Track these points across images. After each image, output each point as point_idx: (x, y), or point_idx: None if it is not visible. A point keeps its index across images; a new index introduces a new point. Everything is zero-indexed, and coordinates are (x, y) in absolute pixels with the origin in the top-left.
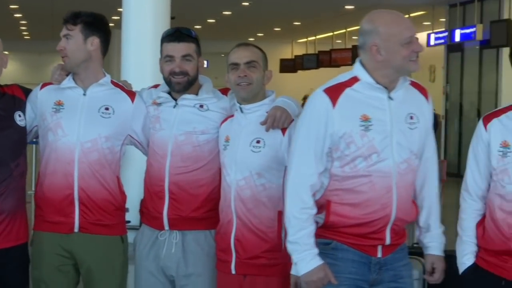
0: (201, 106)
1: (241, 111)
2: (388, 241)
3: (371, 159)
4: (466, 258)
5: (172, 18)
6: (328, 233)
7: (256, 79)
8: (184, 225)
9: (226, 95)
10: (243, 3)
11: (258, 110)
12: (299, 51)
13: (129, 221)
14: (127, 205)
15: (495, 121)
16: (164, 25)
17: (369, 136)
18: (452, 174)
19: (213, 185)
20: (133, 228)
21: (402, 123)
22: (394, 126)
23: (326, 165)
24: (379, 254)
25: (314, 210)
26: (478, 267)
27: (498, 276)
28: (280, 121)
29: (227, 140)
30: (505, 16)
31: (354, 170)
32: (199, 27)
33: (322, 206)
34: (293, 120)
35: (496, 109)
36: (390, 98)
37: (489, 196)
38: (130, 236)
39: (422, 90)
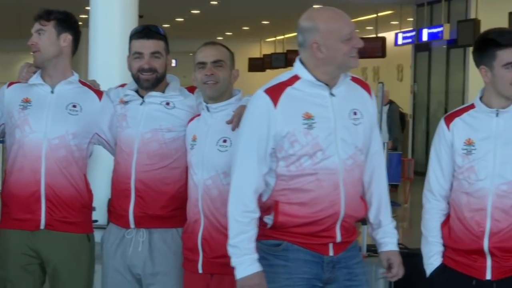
0: (168, 103)
1: (208, 110)
2: (339, 238)
3: (317, 157)
4: (433, 259)
5: (140, 16)
6: (277, 234)
7: (223, 78)
8: (151, 223)
9: (193, 93)
10: (212, 2)
11: (224, 109)
12: (267, 50)
13: (96, 220)
14: (94, 204)
15: (457, 120)
16: (132, 23)
17: (313, 134)
18: (420, 172)
19: (179, 183)
20: (101, 228)
21: (346, 119)
22: (337, 123)
23: (270, 165)
24: (331, 253)
25: (257, 214)
26: (446, 267)
27: (468, 276)
28: None
29: (194, 140)
30: (472, 15)
31: (300, 169)
32: (167, 25)
33: (270, 207)
34: None
35: (457, 109)
36: (332, 94)
37: (453, 195)
38: (97, 235)
39: (365, 86)
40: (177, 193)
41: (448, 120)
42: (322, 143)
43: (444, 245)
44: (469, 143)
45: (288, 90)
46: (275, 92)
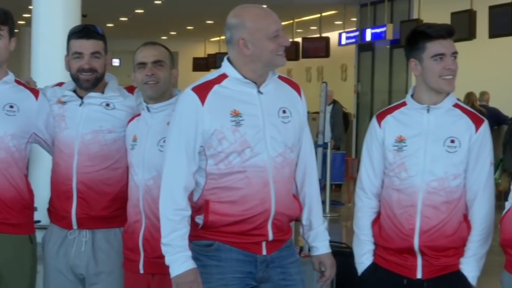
0: (108, 104)
1: (148, 110)
2: (271, 236)
3: (245, 154)
4: (364, 258)
5: (84, 16)
6: (209, 234)
7: (163, 78)
8: (94, 224)
9: (132, 93)
10: (156, 2)
11: (165, 109)
12: (212, 49)
13: (39, 221)
14: (36, 205)
15: (389, 118)
16: (75, 23)
17: (241, 131)
18: None
19: (121, 184)
20: (43, 228)
21: (275, 116)
22: (266, 120)
23: (200, 164)
24: (264, 252)
25: (188, 212)
26: (377, 266)
27: (399, 275)
28: None
29: (134, 140)
30: (415, 16)
31: (229, 166)
32: (111, 25)
33: (201, 207)
34: None
35: (389, 106)
36: (260, 92)
37: (384, 193)
38: (39, 235)
39: (295, 86)
40: (119, 193)
41: (380, 118)
42: (250, 140)
43: (375, 244)
44: (400, 140)
45: (216, 88)
46: (202, 90)
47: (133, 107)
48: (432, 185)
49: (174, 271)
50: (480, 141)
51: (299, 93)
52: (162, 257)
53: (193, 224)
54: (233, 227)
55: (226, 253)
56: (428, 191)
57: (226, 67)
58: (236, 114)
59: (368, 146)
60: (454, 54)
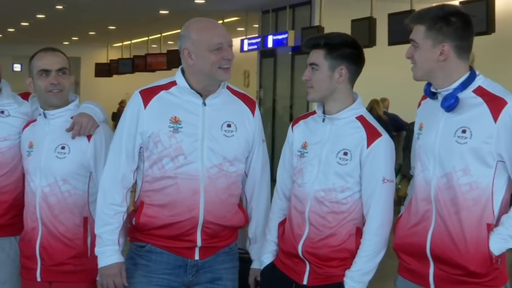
0: (2, 112)
1: (45, 116)
2: (199, 243)
3: (178, 161)
4: (265, 257)
5: None
6: (142, 236)
7: (67, 85)
8: None
9: (27, 99)
10: (57, 7)
11: (62, 116)
12: (114, 55)
13: None
14: None
15: (301, 123)
16: None
17: (177, 138)
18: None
19: (17, 191)
20: None
21: (217, 129)
22: (206, 131)
23: (139, 164)
24: (197, 257)
25: (123, 208)
26: (275, 267)
27: (290, 278)
28: (86, 129)
29: (30, 146)
30: (316, 23)
31: (162, 171)
32: (13, 30)
33: (137, 208)
34: (98, 126)
35: (307, 112)
36: (204, 104)
37: (291, 196)
38: None
39: (249, 104)
40: (15, 201)
41: (294, 122)
42: (185, 148)
43: (278, 245)
44: (304, 146)
45: (162, 93)
46: (148, 94)
47: (28, 113)
48: (320, 194)
49: (101, 262)
50: (372, 157)
51: (253, 111)
52: (59, 264)
53: (131, 225)
54: (162, 231)
55: (157, 255)
56: (316, 199)
57: (177, 75)
58: (175, 121)
59: (283, 149)
60: (312, 64)
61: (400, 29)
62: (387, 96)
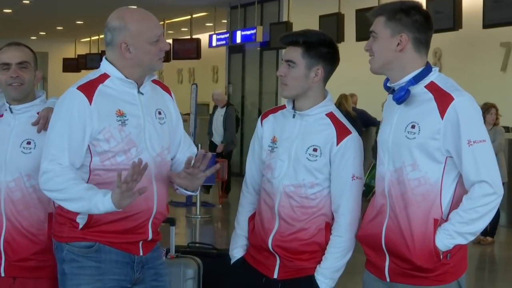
0: None
1: (11, 111)
2: (150, 236)
3: (131, 153)
4: (235, 251)
5: None
6: (90, 235)
7: (28, 79)
8: None
9: None
10: (24, 1)
11: (29, 111)
12: (82, 50)
13: None
14: None
15: (270, 117)
16: None
17: (126, 131)
18: (235, 173)
19: None
20: None
21: (153, 117)
22: (146, 120)
23: (84, 161)
24: (141, 252)
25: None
26: (245, 261)
27: (260, 273)
28: None
29: None
30: (284, 18)
31: (114, 163)
32: None
33: None
34: None
35: (276, 107)
36: (140, 93)
37: (260, 190)
38: None
39: (165, 88)
40: None
41: (264, 116)
42: (135, 140)
43: (248, 240)
44: (274, 141)
45: (101, 87)
46: (88, 89)
47: None
48: (289, 189)
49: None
50: (341, 154)
51: (170, 94)
52: (23, 260)
53: (73, 225)
54: (115, 225)
55: (105, 254)
56: (285, 194)
57: (106, 66)
58: (121, 114)
59: (252, 142)
60: (288, 61)
61: (368, 25)
62: (355, 92)
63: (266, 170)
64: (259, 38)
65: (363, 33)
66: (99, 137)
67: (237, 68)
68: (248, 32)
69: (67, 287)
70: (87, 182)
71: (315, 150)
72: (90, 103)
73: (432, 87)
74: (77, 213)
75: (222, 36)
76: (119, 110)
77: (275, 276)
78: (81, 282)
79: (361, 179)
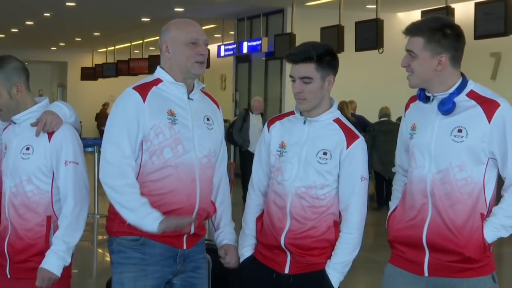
0: None
1: (14, 122)
2: (192, 230)
3: (178, 151)
4: (245, 250)
5: None
6: (136, 230)
7: (2, 103)
8: None
9: None
10: (45, 14)
11: (29, 118)
12: (99, 60)
13: None
14: None
15: (277, 124)
16: None
17: (175, 129)
18: (238, 175)
19: None
20: None
21: (201, 122)
22: (194, 124)
23: (138, 155)
24: (184, 246)
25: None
26: (255, 259)
27: (271, 269)
28: (50, 125)
29: (6, 148)
30: (288, 30)
31: (162, 161)
32: (3, 36)
33: None
34: (62, 123)
35: (282, 113)
36: (190, 98)
37: (268, 192)
38: None
39: (214, 100)
40: None
41: (270, 123)
42: (182, 139)
43: (257, 239)
44: (283, 145)
45: (154, 88)
46: (143, 89)
47: None
48: (301, 190)
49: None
50: (350, 157)
51: (218, 107)
52: (23, 261)
53: (120, 221)
54: None
55: (150, 247)
56: (297, 195)
57: (160, 72)
58: (171, 113)
59: (259, 147)
60: (303, 78)
61: (366, 36)
62: (354, 98)
63: (275, 173)
64: (264, 49)
65: (361, 44)
66: (150, 132)
67: (243, 76)
68: (254, 43)
69: (114, 275)
70: (137, 178)
71: (325, 153)
72: (144, 101)
73: (474, 95)
74: None
75: (230, 47)
76: (170, 110)
77: (286, 271)
78: (125, 270)
79: (367, 180)
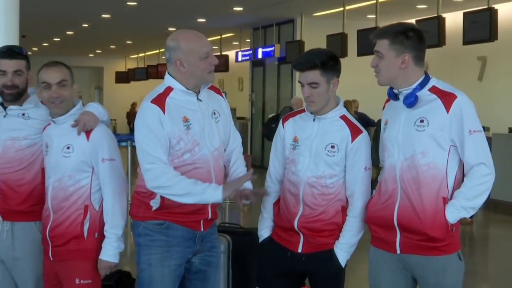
0: (23, 114)
1: (54, 123)
2: (209, 215)
3: (195, 151)
4: (263, 232)
5: (23, 36)
6: (161, 215)
7: (67, 96)
8: (13, 217)
9: None
10: (83, 25)
11: (68, 120)
12: (131, 65)
13: None
14: None
15: (290, 120)
16: (14, 43)
17: (191, 133)
18: (257, 166)
19: (35, 183)
20: None
21: (210, 118)
22: (205, 122)
23: None
24: (202, 228)
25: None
26: (272, 240)
27: (286, 248)
28: (89, 124)
29: (47, 146)
30: (298, 37)
31: (181, 161)
32: (47, 44)
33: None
34: (99, 121)
35: (295, 111)
36: (199, 99)
37: (284, 181)
38: None
39: (218, 91)
40: (33, 192)
41: (284, 120)
42: (197, 139)
43: (274, 222)
44: (295, 140)
45: (168, 100)
46: (160, 102)
47: (43, 116)
48: (312, 180)
49: (213, 200)
50: (355, 149)
51: (221, 95)
52: (62, 245)
53: (146, 207)
54: (182, 208)
55: (173, 230)
56: (308, 184)
57: (170, 80)
58: (186, 120)
59: (275, 141)
60: (311, 84)
61: (367, 42)
62: (356, 98)
63: (290, 165)
64: (277, 54)
65: (363, 50)
66: (172, 140)
67: (258, 79)
68: (267, 49)
69: (141, 256)
70: None
71: (332, 147)
72: (164, 113)
73: (435, 90)
74: (151, 198)
75: (246, 53)
76: (184, 116)
77: (299, 250)
78: (152, 251)
79: (371, 169)
